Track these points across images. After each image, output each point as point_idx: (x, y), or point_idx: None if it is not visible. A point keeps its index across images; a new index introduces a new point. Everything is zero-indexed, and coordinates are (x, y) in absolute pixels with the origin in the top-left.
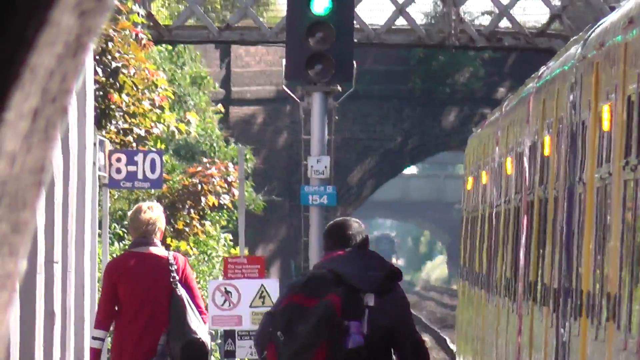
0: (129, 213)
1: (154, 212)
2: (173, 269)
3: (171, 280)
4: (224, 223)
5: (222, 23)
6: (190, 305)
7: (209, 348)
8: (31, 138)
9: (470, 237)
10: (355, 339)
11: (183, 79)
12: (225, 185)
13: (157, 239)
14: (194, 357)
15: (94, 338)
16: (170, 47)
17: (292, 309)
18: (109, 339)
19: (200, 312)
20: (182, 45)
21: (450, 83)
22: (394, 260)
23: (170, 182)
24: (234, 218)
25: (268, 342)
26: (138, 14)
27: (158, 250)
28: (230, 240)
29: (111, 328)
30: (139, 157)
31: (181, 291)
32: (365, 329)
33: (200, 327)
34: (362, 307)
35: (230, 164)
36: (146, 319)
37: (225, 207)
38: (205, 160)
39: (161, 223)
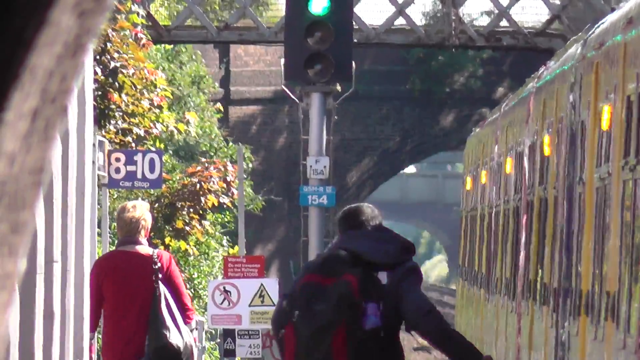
0: (115, 213)
1: (137, 211)
2: (157, 267)
3: (154, 278)
4: (226, 220)
5: (220, 23)
6: (169, 304)
7: (189, 346)
8: (30, 138)
9: (470, 237)
10: (372, 320)
11: (183, 79)
12: (225, 185)
13: (142, 238)
14: None
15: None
16: (168, 47)
17: (310, 287)
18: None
19: (186, 310)
20: (181, 44)
21: (449, 83)
22: None
23: (170, 181)
24: (233, 218)
25: (286, 321)
26: (137, 14)
27: (143, 248)
28: (228, 240)
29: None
30: (138, 157)
31: (162, 289)
32: (382, 309)
33: (179, 328)
34: (378, 287)
35: (229, 163)
36: (135, 318)
37: (225, 206)
38: (204, 160)
39: (146, 221)
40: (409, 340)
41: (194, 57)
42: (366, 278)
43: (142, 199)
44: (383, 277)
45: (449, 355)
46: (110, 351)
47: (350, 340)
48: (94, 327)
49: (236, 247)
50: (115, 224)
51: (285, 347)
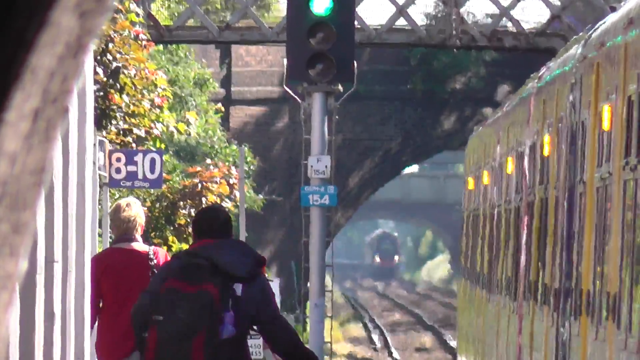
0: (109, 212)
1: (133, 209)
2: (152, 263)
3: (150, 274)
4: None
5: (222, 23)
6: None
7: None
8: (32, 138)
9: (471, 237)
10: (228, 329)
11: (187, 81)
12: (228, 188)
13: (138, 235)
14: None
15: None
16: (174, 47)
17: (172, 293)
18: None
19: None
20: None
21: (451, 83)
22: (396, 259)
23: (170, 182)
24: (234, 218)
25: (148, 324)
26: (136, 13)
27: (139, 245)
28: None
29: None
30: (138, 157)
31: None
32: (235, 319)
33: None
34: (234, 298)
35: (232, 168)
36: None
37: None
38: (209, 162)
39: (141, 219)
40: (410, 339)
41: (188, 54)
42: (225, 288)
43: (143, 199)
44: (238, 288)
45: None
46: (105, 345)
47: (207, 345)
48: (94, 323)
49: None
50: (110, 222)
51: (147, 347)
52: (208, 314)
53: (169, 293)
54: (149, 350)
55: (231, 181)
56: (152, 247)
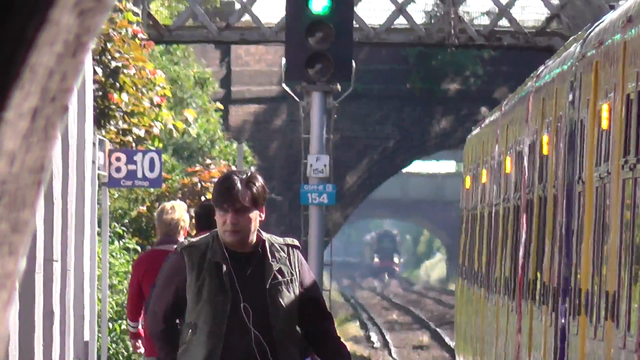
0: (155, 214)
1: (176, 212)
2: None
3: None
4: None
5: (221, 23)
6: None
7: None
8: (31, 137)
9: (470, 235)
10: None
11: (187, 80)
12: None
13: (180, 237)
14: None
15: (131, 327)
16: (176, 47)
17: None
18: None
19: None
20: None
21: (449, 82)
22: (395, 259)
23: (170, 181)
24: None
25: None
26: (134, 12)
27: None
28: None
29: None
30: (138, 157)
31: None
32: None
33: None
34: None
35: (233, 168)
36: None
37: None
38: (209, 161)
39: (184, 222)
40: (410, 339)
41: (186, 54)
42: None
43: (142, 198)
44: None
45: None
46: (149, 344)
47: None
48: (134, 318)
49: None
50: (155, 224)
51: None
52: None
53: None
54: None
55: None
56: None
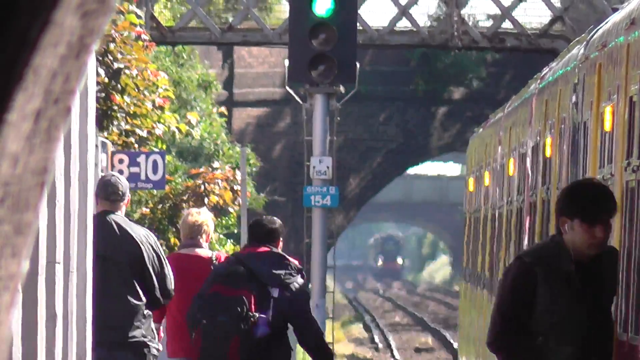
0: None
1: (202, 216)
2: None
3: None
4: (230, 223)
5: (224, 24)
6: None
7: None
8: (34, 139)
9: (473, 238)
10: (263, 330)
11: (190, 82)
12: (231, 194)
13: (203, 241)
14: None
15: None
16: (181, 49)
17: (215, 298)
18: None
19: None
20: (181, 46)
21: (452, 84)
22: (399, 261)
23: (173, 182)
24: (236, 221)
25: (196, 324)
26: (136, 14)
27: (203, 251)
28: (233, 243)
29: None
30: (141, 159)
31: None
32: (271, 319)
33: None
34: (269, 299)
35: (237, 172)
36: None
37: (229, 211)
38: (216, 165)
39: (208, 227)
40: (410, 340)
41: (192, 57)
42: (260, 293)
43: (145, 200)
44: (275, 291)
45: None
46: (171, 344)
47: (242, 346)
48: (158, 319)
49: (238, 249)
50: (179, 227)
51: (195, 348)
52: (242, 317)
53: (212, 297)
54: (196, 351)
55: (235, 187)
56: (215, 253)
